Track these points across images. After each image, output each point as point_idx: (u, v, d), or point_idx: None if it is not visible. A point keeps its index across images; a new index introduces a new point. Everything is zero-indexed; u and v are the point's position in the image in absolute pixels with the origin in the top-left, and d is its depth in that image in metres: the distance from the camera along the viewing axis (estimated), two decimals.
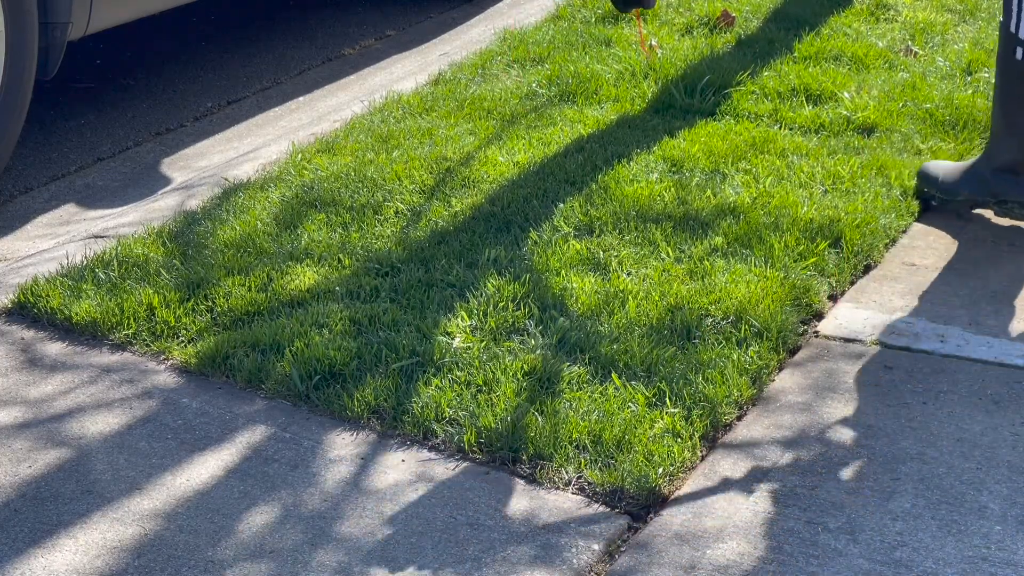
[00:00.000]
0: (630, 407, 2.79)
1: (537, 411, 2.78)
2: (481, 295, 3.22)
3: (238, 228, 3.65)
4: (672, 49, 4.98)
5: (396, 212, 3.73)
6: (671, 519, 2.52)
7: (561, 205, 3.68)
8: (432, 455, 2.73)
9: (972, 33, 5.07)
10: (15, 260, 3.76)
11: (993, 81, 4.44)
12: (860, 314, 3.22)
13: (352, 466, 2.70)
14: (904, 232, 3.61)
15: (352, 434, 2.81)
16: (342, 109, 4.83)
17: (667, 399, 2.82)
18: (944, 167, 3.74)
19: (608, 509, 2.54)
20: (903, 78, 4.57)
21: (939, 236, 3.59)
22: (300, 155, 4.19)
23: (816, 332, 3.16)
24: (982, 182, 3.63)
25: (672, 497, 2.58)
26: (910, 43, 4.97)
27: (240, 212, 3.77)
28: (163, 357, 3.13)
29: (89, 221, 4.08)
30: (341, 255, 3.48)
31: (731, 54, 4.91)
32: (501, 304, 3.18)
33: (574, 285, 3.25)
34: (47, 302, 3.32)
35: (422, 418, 2.80)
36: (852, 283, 3.37)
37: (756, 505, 2.55)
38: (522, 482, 2.63)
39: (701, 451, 2.72)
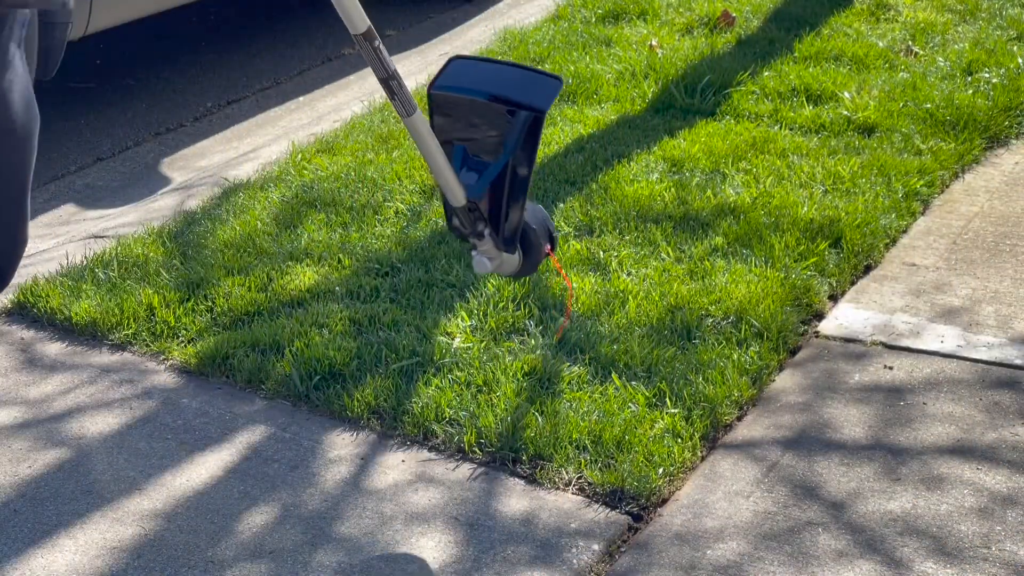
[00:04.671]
0: (630, 407, 2.78)
1: (537, 411, 2.78)
2: (481, 295, 3.22)
3: (238, 228, 3.65)
4: (672, 49, 4.98)
5: (396, 212, 3.73)
6: (671, 519, 2.51)
7: (561, 205, 3.67)
8: (432, 455, 2.73)
9: (972, 33, 5.06)
10: None
11: (993, 81, 4.43)
12: (860, 314, 3.21)
13: (352, 466, 2.70)
14: (904, 232, 3.61)
15: (352, 434, 2.81)
16: (342, 109, 4.83)
17: (667, 399, 2.81)
18: None
19: (608, 509, 2.54)
20: (903, 78, 4.57)
21: (939, 236, 3.59)
22: (300, 155, 4.19)
23: (816, 332, 3.15)
24: None
25: (672, 497, 2.58)
26: (910, 43, 4.96)
27: (240, 212, 3.77)
28: (163, 357, 3.13)
29: (89, 221, 4.08)
30: (341, 255, 3.48)
31: (731, 54, 4.90)
32: (501, 304, 3.18)
33: (574, 285, 3.25)
34: (47, 302, 3.32)
35: (422, 418, 2.79)
36: (852, 283, 3.37)
37: (756, 505, 2.54)
38: (522, 482, 2.63)
39: (701, 451, 2.71)
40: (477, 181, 2.27)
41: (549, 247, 2.40)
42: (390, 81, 2.15)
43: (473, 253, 2.34)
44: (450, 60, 2.29)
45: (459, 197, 2.25)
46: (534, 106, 2.18)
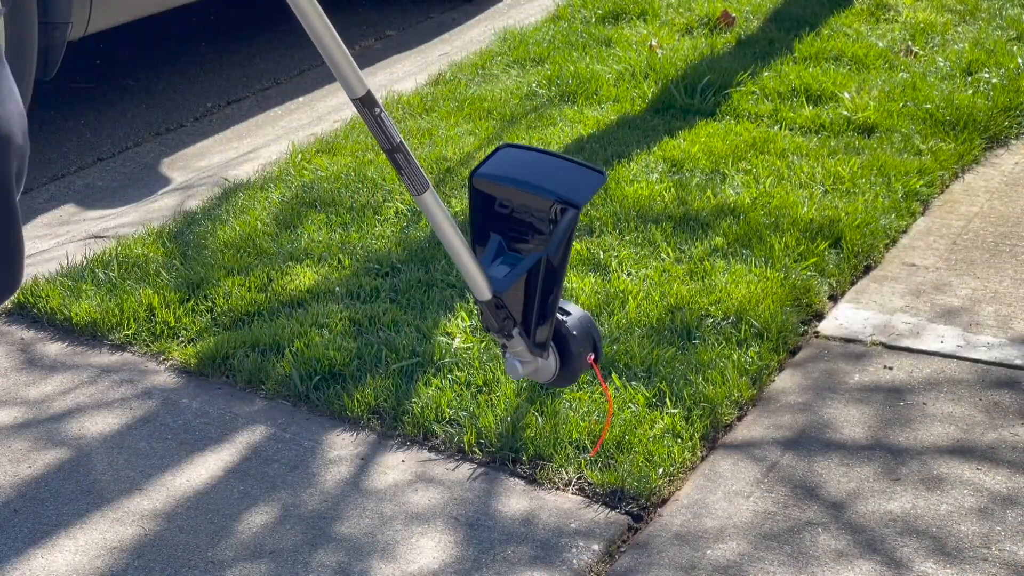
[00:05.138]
0: (630, 407, 2.78)
1: (537, 411, 2.78)
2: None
3: (238, 228, 3.65)
4: (672, 49, 4.98)
5: (396, 212, 3.73)
6: (671, 519, 2.51)
7: None
8: (432, 455, 2.73)
9: (972, 33, 5.06)
10: None
11: (993, 81, 4.42)
12: (860, 314, 3.21)
13: (352, 466, 2.70)
14: (904, 232, 3.61)
15: (352, 434, 2.81)
16: (342, 109, 4.83)
17: (667, 399, 2.81)
18: None
19: (608, 510, 2.54)
20: (903, 78, 4.57)
21: (939, 236, 3.59)
22: (300, 155, 4.19)
23: (816, 332, 3.15)
24: None
25: (672, 497, 2.58)
26: (910, 43, 4.96)
27: (240, 212, 3.77)
28: (163, 357, 3.13)
29: (89, 221, 4.08)
30: (341, 255, 3.48)
31: (731, 54, 4.90)
32: None
33: (574, 285, 3.25)
34: (47, 302, 3.32)
35: (422, 418, 2.79)
36: (852, 283, 3.37)
37: (756, 505, 2.54)
38: (522, 482, 2.63)
39: (701, 451, 2.71)
40: (506, 275, 2.16)
41: (593, 356, 2.30)
42: (395, 153, 1.94)
43: (505, 355, 2.24)
44: (499, 147, 2.18)
45: (483, 290, 2.09)
46: (572, 200, 2.10)
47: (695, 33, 5.22)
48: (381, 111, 1.91)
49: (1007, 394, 2.87)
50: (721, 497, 2.57)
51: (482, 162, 2.14)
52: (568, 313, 2.19)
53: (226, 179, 4.11)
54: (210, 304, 3.28)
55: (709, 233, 3.50)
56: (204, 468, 2.71)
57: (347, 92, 1.89)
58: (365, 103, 1.89)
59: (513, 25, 5.54)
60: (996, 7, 5.35)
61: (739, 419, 2.83)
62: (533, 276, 2.11)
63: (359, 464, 2.71)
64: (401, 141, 1.94)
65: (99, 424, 2.87)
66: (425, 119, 4.44)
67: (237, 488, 2.64)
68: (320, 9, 1.82)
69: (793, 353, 3.08)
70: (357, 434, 2.81)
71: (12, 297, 3.36)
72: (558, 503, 2.56)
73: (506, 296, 2.11)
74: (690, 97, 4.48)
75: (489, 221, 2.16)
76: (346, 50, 1.86)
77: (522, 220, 2.12)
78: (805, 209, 3.59)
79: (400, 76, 5.24)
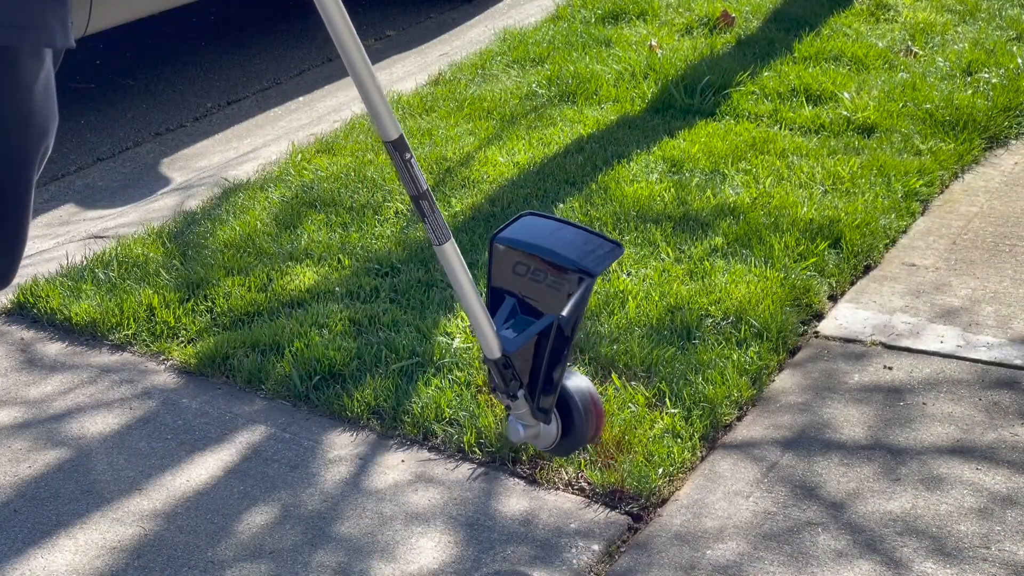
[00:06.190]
0: (630, 407, 2.78)
1: None
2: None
3: (238, 228, 3.65)
4: (672, 49, 4.98)
5: (396, 212, 3.73)
6: (671, 519, 2.51)
7: (561, 205, 3.68)
8: (432, 455, 2.73)
9: (972, 33, 5.06)
10: None
11: (993, 81, 4.42)
12: (860, 314, 3.21)
13: (352, 466, 2.70)
14: (904, 232, 3.61)
15: (352, 434, 2.81)
16: (342, 109, 4.83)
17: (667, 399, 2.81)
18: None
19: (608, 510, 2.54)
20: (903, 78, 4.57)
21: (939, 236, 3.59)
22: (300, 155, 4.19)
23: (816, 332, 3.16)
24: None
25: (672, 497, 2.58)
26: (910, 43, 4.96)
27: (240, 212, 3.77)
28: (163, 357, 3.13)
29: (89, 221, 4.08)
30: (341, 255, 3.48)
31: (731, 54, 4.90)
32: None
33: None
34: (47, 302, 3.32)
35: (422, 418, 2.79)
36: (852, 283, 3.37)
37: (756, 505, 2.54)
38: (522, 482, 2.63)
39: (701, 451, 2.71)
40: (517, 336, 2.15)
41: (593, 432, 2.30)
42: (421, 201, 1.95)
43: (509, 418, 2.23)
44: (522, 214, 2.19)
45: (493, 348, 2.11)
46: (588, 269, 2.11)
47: (695, 33, 5.23)
48: (411, 157, 1.91)
49: (1007, 394, 2.87)
50: (721, 497, 2.57)
51: (504, 226, 2.17)
52: (577, 383, 2.21)
53: (226, 179, 4.12)
54: (210, 304, 3.28)
55: (709, 233, 3.50)
56: (204, 468, 2.71)
57: (380, 134, 1.90)
58: (397, 147, 1.90)
59: (513, 25, 5.55)
60: (996, 7, 5.35)
61: (739, 419, 2.83)
62: (543, 340, 2.13)
63: (359, 464, 2.71)
64: (427, 189, 1.95)
65: (99, 424, 2.87)
66: (425, 119, 4.44)
67: (237, 488, 2.64)
68: (366, 56, 1.84)
69: (793, 353, 3.08)
70: (357, 434, 2.81)
71: (8, 293, 3.36)
72: (558, 503, 2.57)
73: (515, 357, 2.12)
74: (690, 97, 4.48)
75: (506, 283, 2.18)
76: (384, 94, 1.88)
77: (538, 285, 2.14)
78: (805, 209, 3.59)
79: (400, 76, 5.25)
